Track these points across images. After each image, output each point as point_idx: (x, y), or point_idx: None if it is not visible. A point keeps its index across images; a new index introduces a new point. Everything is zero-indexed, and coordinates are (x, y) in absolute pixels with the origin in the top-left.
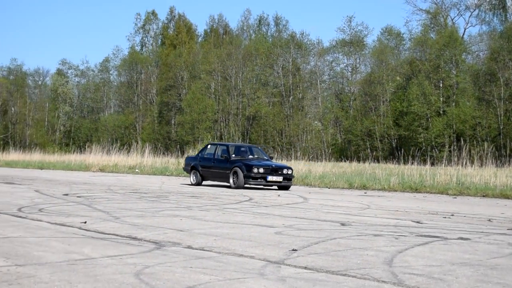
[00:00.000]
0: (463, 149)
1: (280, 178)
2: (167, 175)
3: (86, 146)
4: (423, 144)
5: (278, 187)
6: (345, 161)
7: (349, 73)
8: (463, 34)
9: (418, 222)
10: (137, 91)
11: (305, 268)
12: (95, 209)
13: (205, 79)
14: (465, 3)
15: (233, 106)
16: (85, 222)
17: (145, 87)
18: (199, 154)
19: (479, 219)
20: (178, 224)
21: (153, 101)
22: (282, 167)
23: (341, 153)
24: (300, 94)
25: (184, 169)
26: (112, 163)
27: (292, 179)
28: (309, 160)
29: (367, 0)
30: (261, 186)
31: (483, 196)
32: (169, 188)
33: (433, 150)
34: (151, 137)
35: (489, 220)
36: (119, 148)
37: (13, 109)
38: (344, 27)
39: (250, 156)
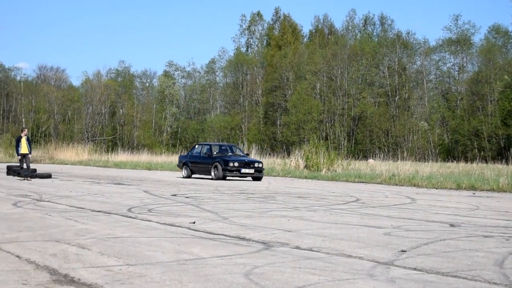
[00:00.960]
0: None
1: (252, 170)
2: (274, 176)
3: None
4: None
5: (252, 178)
6: (452, 161)
7: (456, 72)
8: None
9: None
10: (243, 92)
11: (415, 269)
12: (203, 210)
13: (311, 80)
14: None
15: (338, 107)
16: (194, 222)
17: (250, 88)
18: (189, 153)
19: None
20: (285, 224)
21: (259, 102)
22: (253, 161)
23: (448, 154)
24: (406, 94)
25: (178, 165)
26: None
27: (263, 171)
28: (416, 160)
29: None
30: (237, 178)
31: None
32: (276, 189)
33: None
34: (257, 137)
35: None
36: None
37: (121, 110)
38: (450, 26)
39: (229, 154)
